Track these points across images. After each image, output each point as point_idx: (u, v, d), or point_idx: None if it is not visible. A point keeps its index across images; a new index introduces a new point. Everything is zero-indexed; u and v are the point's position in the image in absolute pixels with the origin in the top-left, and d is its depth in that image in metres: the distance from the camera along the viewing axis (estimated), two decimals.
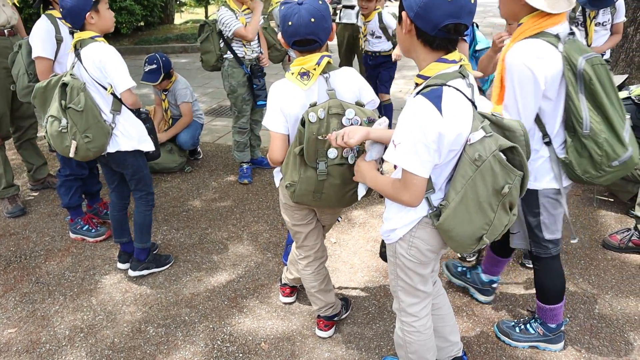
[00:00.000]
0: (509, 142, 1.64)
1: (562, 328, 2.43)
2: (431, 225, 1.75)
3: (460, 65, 1.64)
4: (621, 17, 4.11)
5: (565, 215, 2.22)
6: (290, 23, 1.94)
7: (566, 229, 2.23)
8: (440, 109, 1.53)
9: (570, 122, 1.99)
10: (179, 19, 14.02)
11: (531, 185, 2.10)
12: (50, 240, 3.53)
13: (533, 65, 1.90)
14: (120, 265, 3.15)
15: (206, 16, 12.33)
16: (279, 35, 2.06)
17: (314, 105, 1.98)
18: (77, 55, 2.61)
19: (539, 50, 1.91)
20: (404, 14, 1.58)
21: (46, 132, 2.74)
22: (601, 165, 2.00)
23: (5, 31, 3.65)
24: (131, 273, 3.05)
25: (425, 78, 1.63)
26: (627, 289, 2.85)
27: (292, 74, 2.05)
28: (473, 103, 1.65)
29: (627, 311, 2.68)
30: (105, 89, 2.65)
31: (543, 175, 2.12)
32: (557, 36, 1.93)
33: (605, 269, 3.03)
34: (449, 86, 1.57)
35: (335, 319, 2.57)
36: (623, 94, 3.44)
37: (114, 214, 3.04)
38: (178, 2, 14.46)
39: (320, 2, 1.99)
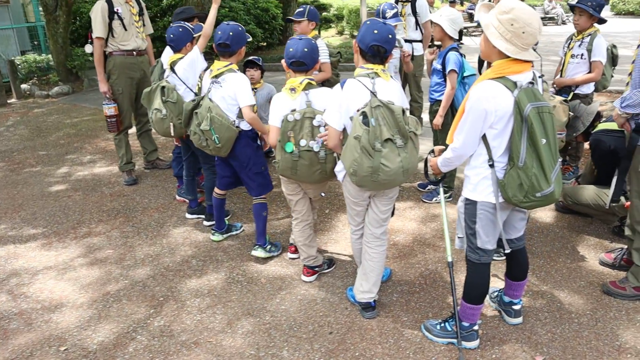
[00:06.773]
0: (366, 110, 2.55)
1: (475, 328, 2.77)
2: None
3: (374, 72, 2.66)
4: (597, 56, 4.28)
5: (500, 229, 2.54)
6: (290, 49, 3.01)
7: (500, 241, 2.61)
8: (342, 88, 2.70)
9: (512, 153, 2.37)
10: None
11: (471, 195, 2.52)
12: (148, 202, 4.89)
13: (487, 102, 2.30)
14: (187, 215, 4.49)
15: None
16: (283, 60, 3.09)
17: (293, 110, 2.98)
18: (172, 69, 3.92)
19: (495, 91, 2.30)
20: (354, 40, 2.74)
21: (151, 119, 4.05)
22: (527, 194, 2.36)
23: (134, 52, 5.12)
24: (188, 216, 4.41)
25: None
26: (567, 285, 3.38)
27: (285, 88, 3.08)
28: (372, 92, 2.60)
29: (559, 298, 3.24)
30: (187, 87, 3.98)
31: (483, 190, 2.48)
32: (515, 83, 2.29)
33: (558, 269, 3.58)
34: (354, 78, 2.65)
35: (317, 269, 3.50)
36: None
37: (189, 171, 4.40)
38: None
39: (313, 41, 3.01)
